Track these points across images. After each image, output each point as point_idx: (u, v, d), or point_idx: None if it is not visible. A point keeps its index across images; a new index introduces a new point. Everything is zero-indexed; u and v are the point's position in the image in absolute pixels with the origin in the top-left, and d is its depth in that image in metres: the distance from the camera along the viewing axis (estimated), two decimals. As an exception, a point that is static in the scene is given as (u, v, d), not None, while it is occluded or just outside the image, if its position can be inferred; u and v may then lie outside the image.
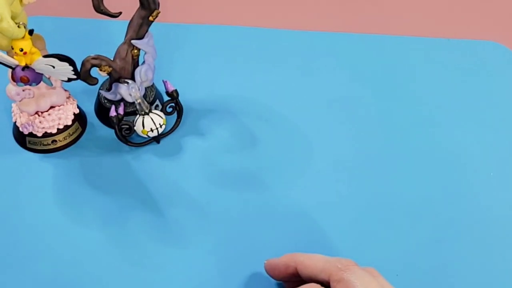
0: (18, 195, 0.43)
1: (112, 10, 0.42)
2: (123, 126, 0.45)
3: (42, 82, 0.42)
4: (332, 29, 0.62)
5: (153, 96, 0.49)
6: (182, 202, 0.44)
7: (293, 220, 0.43)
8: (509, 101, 0.54)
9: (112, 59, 0.44)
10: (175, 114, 0.48)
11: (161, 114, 0.46)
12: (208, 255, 0.40)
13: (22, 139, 0.46)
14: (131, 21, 0.43)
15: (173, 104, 0.47)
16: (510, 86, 0.56)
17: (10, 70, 0.40)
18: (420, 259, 0.41)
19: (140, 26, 0.43)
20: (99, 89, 0.49)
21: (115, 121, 0.44)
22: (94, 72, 0.44)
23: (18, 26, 0.38)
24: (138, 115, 0.45)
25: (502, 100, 0.54)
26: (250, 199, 0.44)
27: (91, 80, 0.44)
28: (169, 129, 0.48)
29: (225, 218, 0.43)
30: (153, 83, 0.49)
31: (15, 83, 0.41)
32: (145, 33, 0.44)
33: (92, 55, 0.43)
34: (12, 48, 0.39)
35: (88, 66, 0.43)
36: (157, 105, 0.50)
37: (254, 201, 0.44)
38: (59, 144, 0.47)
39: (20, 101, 0.44)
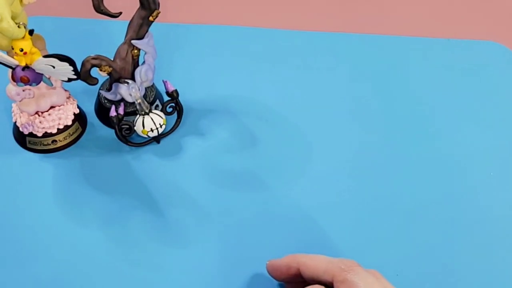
0: (18, 195, 0.43)
1: (112, 10, 0.42)
2: (123, 126, 0.45)
3: (42, 82, 0.42)
4: (332, 29, 0.62)
5: (153, 96, 0.49)
6: (182, 202, 0.44)
7: (293, 220, 0.43)
8: (509, 101, 0.54)
9: (112, 59, 0.44)
10: (175, 114, 0.48)
11: (161, 114, 0.46)
12: (209, 255, 0.40)
13: (22, 139, 0.46)
14: (131, 21, 0.43)
15: (173, 104, 0.47)
16: (510, 86, 0.56)
17: (10, 70, 0.40)
18: (420, 259, 0.41)
19: (140, 26, 0.43)
20: (99, 89, 0.49)
21: (115, 121, 0.44)
22: (94, 72, 0.44)
23: (18, 26, 0.38)
24: (138, 115, 0.45)
25: (502, 100, 0.54)
26: (250, 199, 0.44)
27: (91, 80, 0.44)
28: (169, 129, 0.48)
29: (225, 218, 0.43)
30: (153, 83, 0.49)
31: (15, 83, 0.41)
32: (145, 33, 0.44)
33: (92, 55, 0.43)
34: (12, 48, 0.39)
35: (88, 66, 0.43)
36: (157, 105, 0.50)
37: (254, 201, 0.44)
38: (59, 144, 0.47)
39: (20, 101, 0.44)
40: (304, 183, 0.45)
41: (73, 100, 0.47)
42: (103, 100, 0.48)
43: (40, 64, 0.40)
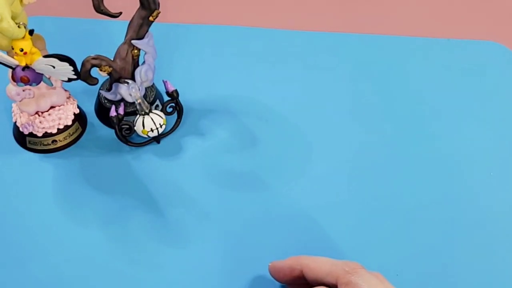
0: (18, 195, 0.43)
1: (112, 10, 0.42)
2: (123, 126, 0.45)
3: (42, 82, 0.42)
4: (332, 29, 0.62)
5: (153, 96, 0.49)
6: (182, 202, 0.44)
7: (293, 220, 0.43)
8: (509, 101, 0.54)
9: (112, 59, 0.44)
10: (175, 114, 0.48)
11: (161, 114, 0.46)
12: (209, 256, 0.40)
13: (22, 139, 0.46)
14: (131, 21, 0.43)
15: (173, 104, 0.47)
16: (510, 86, 0.56)
17: (10, 70, 0.40)
18: (420, 259, 0.41)
19: (140, 26, 0.43)
20: (99, 89, 0.49)
21: (115, 121, 0.44)
22: (94, 72, 0.44)
23: (18, 26, 0.38)
24: (138, 115, 0.45)
25: (502, 100, 0.54)
26: (250, 199, 0.44)
27: (91, 80, 0.44)
28: (169, 129, 0.48)
29: (226, 218, 0.43)
30: (153, 83, 0.49)
31: (15, 83, 0.41)
32: (145, 33, 0.44)
33: (92, 55, 0.43)
34: (12, 48, 0.39)
35: (88, 66, 0.43)
36: (157, 105, 0.50)
37: (254, 201, 0.44)
38: (59, 144, 0.47)
39: (20, 101, 0.44)
40: (304, 183, 0.45)
41: (73, 100, 0.47)
42: (103, 100, 0.48)
43: (40, 64, 0.40)
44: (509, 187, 0.46)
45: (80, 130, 0.48)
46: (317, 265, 0.34)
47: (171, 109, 0.47)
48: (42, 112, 0.45)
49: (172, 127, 0.48)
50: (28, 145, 0.46)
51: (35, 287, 0.38)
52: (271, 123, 0.50)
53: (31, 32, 0.39)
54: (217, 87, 0.54)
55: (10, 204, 0.43)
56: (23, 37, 0.39)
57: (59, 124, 0.46)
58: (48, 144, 0.46)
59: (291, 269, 0.35)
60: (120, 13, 0.42)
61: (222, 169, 0.46)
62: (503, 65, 0.59)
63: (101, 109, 0.49)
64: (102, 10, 0.41)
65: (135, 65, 0.45)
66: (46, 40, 0.43)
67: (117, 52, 0.44)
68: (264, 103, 0.52)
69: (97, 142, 0.48)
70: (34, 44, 0.40)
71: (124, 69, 0.45)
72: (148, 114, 0.45)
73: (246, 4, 0.65)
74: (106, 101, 0.48)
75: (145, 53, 0.45)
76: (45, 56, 0.39)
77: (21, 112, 0.45)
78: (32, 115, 0.45)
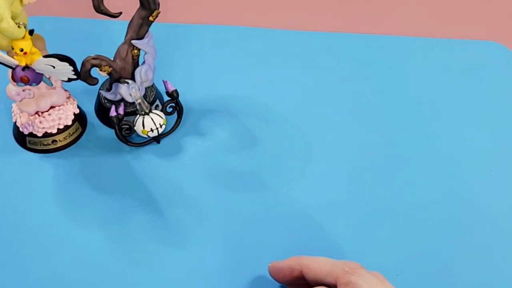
0: (18, 195, 0.43)
1: (112, 10, 0.42)
2: (123, 126, 0.45)
3: (42, 82, 0.42)
4: (332, 29, 0.62)
5: (153, 96, 0.49)
6: (182, 202, 0.44)
7: (293, 220, 0.43)
8: (509, 101, 0.54)
9: (112, 59, 0.44)
10: (175, 114, 0.48)
11: (161, 114, 0.46)
12: (209, 256, 0.40)
13: (22, 139, 0.46)
14: (131, 21, 0.43)
15: (173, 104, 0.47)
16: (510, 86, 0.56)
17: (10, 70, 0.40)
18: (420, 259, 0.41)
19: (140, 26, 0.43)
20: (99, 89, 0.49)
21: (115, 121, 0.44)
22: (94, 72, 0.44)
23: (18, 26, 0.38)
24: (138, 115, 0.45)
25: (502, 100, 0.54)
26: (250, 199, 0.44)
27: (91, 80, 0.44)
28: (169, 129, 0.48)
29: (226, 218, 0.43)
30: (153, 83, 0.49)
31: (15, 83, 0.41)
32: (145, 33, 0.44)
33: (92, 55, 0.43)
34: (12, 48, 0.39)
35: (88, 66, 0.43)
36: (157, 105, 0.50)
37: (254, 201, 0.44)
38: (59, 144, 0.47)
39: (20, 101, 0.44)
40: (304, 183, 0.45)
41: (73, 100, 0.47)
42: (103, 100, 0.48)
43: (40, 64, 0.40)
44: (509, 187, 0.46)
45: (80, 130, 0.48)
46: (317, 265, 0.34)
47: (171, 109, 0.47)
48: (42, 112, 0.45)
49: (172, 127, 0.48)
50: (28, 145, 0.46)
51: (35, 287, 0.38)
52: (271, 123, 0.50)
53: (31, 32, 0.39)
54: (217, 87, 0.54)
55: (10, 204, 0.43)
56: (23, 37, 0.39)
57: (59, 124, 0.46)
58: (48, 144, 0.46)
59: (291, 269, 0.35)
60: (120, 13, 0.42)
61: (222, 169, 0.46)
62: (503, 65, 0.59)
63: (101, 109, 0.49)
64: (102, 10, 0.41)
65: (135, 65, 0.45)
66: (46, 40, 0.43)
67: (117, 52, 0.44)
68: (264, 103, 0.52)
69: (97, 142, 0.48)
70: (34, 44, 0.40)
71: (124, 69, 0.45)
72: (148, 114, 0.45)
73: (246, 4, 0.65)
74: (106, 101, 0.48)
75: (145, 53, 0.45)
76: (45, 56, 0.39)
77: (21, 112, 0.45)
78: (32, 115, 0.45)
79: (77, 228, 0.41)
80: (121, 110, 0.44)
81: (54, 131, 0.46)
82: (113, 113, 0.44)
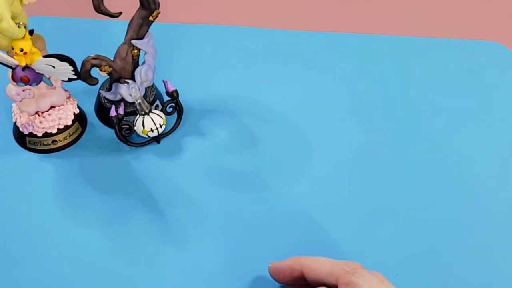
0: (18, 195, 0.43)
1: (112, 10, 0.42)
2: (123, 126, 0.45)
3: (42, 82, 0.42)
4: (332, 29, 0.62)
5: (153, 96, 0.49)
6: (182, 202, 0.44)
7: (293, 220, 0.43)
8: (509, 101, 0.54)
9: (112, 59, 0.44)
10: (175, 114, 0.48)
11: (161, 114, 0.46)
12: (209, 256, 0.40)
13: (22, 139, 0.46)
14: (131, 21, 0.43)
15: (173, 104, 0.47)
16: (510, 86, 0.56)
17: (10, 70, 0.40)
18: (420, 259, 0.41)
19: (140, 26, 0.43)
20: (99, 89, 0.49)
21: (115, 121, 0.44)
22: (94, 72, 0.44)
23: (18, 26, 0.38)
24: (138, 115, 0.45)
25: (502, 100, 0.54)
26: (250, 199, 0.44)
27: (91, 80, 0.44)
28: (169, 129, 0.48)
29: (226, 218, 0.43)
30: (153, 83, 0.49)
31: (15, 83, 0.41)
32: (145, 33, 0.44)
33: (92, 55, 0.43)
34: (12, 48, 0.39)
35: (88, 66, 0.43)
36: (157, 105, 0.50)
37: (254, 201, 0.44)
38: (59, 144, 0.47)
39: (20, 101, 0.44)
40: (304, 183, 0.45)
41: (73, 100, 0.47)
42: (103, 100, 0.48)
43: (40, 64, 0.40)
44: (509, 187, 0.46)
45: (80, 130, 0.48)
46: (317, 265, 0.34)
47: (171, 109, 0.47)
48: (42, 112, 0.45)
49: (172, 127, 0.48)
50: (28, 145, 0.46)
51: (35, 287, 0.38)
52: (271, 123, 0.50)
53: (31, 32, 0.39)
54: (217, 87, 0.54)
55: (10, 204, 0.43)
56: (23, 37, 0.39)
57: (59, 124, 0.46)
58: (48, 144, 0.46)
59: (291, 269, 0.35)
60: (120, 13, 0.42)
61: (222, 169, 0.46)
62: (503, 65, 0.59)
63: (101, 109, 0.49)
64: (102, 10, 0.41)
65: (135, 65, 0.45)
66: (46, 40, 0.43)
67: (117, 52, 0.44)
68: (264, 103, 0.52)
69: (97, 142, 0.48)
70: (34, 44, 0.40)
71: (124, 69, 0.45)
72: (148, 114, 0.45)
73: (246, 4, 0.65)
74: (106, 101, 0.48)
75: (145, 53, 0.45)
76: (45, 56, 0.39)
77: (21, 112, 0.45)
78: (32, 115, 0.45)
79: (77, 228, 0.41)
80: (121, 110, 0.44)
81: (54, 131, 0.46)
82: (113, 113, 0.44)
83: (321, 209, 0.43)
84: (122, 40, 0.44)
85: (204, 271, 0.39)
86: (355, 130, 0.50)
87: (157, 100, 0.50)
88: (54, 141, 0.46)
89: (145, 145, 0.47)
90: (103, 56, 0.43)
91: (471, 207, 0.45)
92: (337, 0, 0.67)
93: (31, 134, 0.46)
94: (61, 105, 0.46)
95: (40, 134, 0.46)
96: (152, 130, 0.45)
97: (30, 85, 0.41)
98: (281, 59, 0.57)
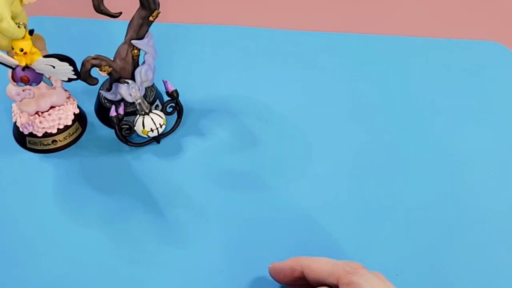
0: (18, 195, 0.43)
1: (112, 10, 0.42)
2: (123, 126, 0.45)
3: (42, 82, 0.42)
4: (332, 29, 0.62)
5: (153, 96, 0.49)
6: (182, 202, 0.44)
7: (293, 220, 0.43)
8: (509, 101, 0.54)
9: (112, 59, 0.44)
10: (175, 114, 0.48)
11: (161, 114, 0.46)
12: (209, 256, 0.40)
13: (22, 139, 0.46)
14: (131, 21, 0.43)
15: (173, 104, 0.47)
16: (510, 86, 0.56)
17: (10, 70, 0.40)
18: (420, 259, 0.41)
19: (140, 26, 0.43)
20: (99, 89, 0.49)
21: (115, 121, 0.44)
22: (94, 72, 0.44)
23: (18, 26, 0.38)
24: (138, 115, 0.45)
25: (502, 100, 0.54)
26: (250, 199, 0.44)
27: (91, 80, 0.44)
28: (169, 129, 0.48)
29: (226, 218, 0.43)
30: (153, 83, 0.49)
31: (15, 83, 0.41)
32: (145, 33, 0.44)
33: (92, 55, 0.43)
34: (12, 48, 0.39)
35: (88, 66, 0.43)
36: (157, 105, 0.50)
37: (254, 201, 0.44)
38: (59, 144, 0.47)
39: (20, 101, 0.44)
40: (304, 183, 0.45)
41: (73, 100, 0.47)
42: (103, 100, 0.48)
43: (40, 64, 0.40)
44: (509, 187, 0.46)
45: (80, 130, 0.48)
46: (318, 265, 0.34)
47: (171, 109, 0.47)
48: (42, 112, 0.45)
49: (172, 127, 0.48)
50: (28, 145, 0.46)
51: (35, 286, 0.38)
52: (271, 123, 0.50)
53: (31, 32, 0.39)
54: (217, 87, 0.54)
55: (10, 204, 0.43)
56: (23, 37, 0.39)
57: (59, 124, 0.46)
58: (48, 144, 0.46)
59: (291, 270, 0.35)
60: (120, 13, 0.42)
61: (222, 169, 0.46)
62: (503, 65, 0.59)
63: (101, 109, 0.49)
64: (102, 10, 0.41)
65: (135, 65, 0.45)
66: (46, 40, 0.43)
67: (117, 52, 0.44)
68: (264, 103, 0.52)
69: (97, 142, 0.48)
70: (34, 44, 0.40)
71: (124, 69, 0.45)
72: (148, 114, 0.45)
73: (246, 4, 0.65)
74: (106, 101, 0.48)
75: (145, 53, 0.45)
76: (45, 56, 0.39)
77: (21, 112, 0.45)
78: (32, 115, 0.45)
79: (77, 228, 0.41)
80: (121, 110, 0.44)
81: (54, 131, 0.46)
82: (113, 113, 0.44)
83: (321, 209, 0.43)
84: (122, 40, 0.44)
85: (204, 271, 0.39)
86: (355, 130, 0.50)
87: (157, 100, 0.50)
88: (54, 141, 0.46)
89: (145, 145, 0.47)
90: (103, 56, 0.43)
91: (471, 207, 0.45)
92: (337, 0, 0.67)
93: (31, 134, 0.46)
94: (61, 105, 0.46)
95: (40, 134, 0.46)
96: (152, 130, 0.45)
97: (30, 85, 0.41)
98: (281, 59, 0.57)
